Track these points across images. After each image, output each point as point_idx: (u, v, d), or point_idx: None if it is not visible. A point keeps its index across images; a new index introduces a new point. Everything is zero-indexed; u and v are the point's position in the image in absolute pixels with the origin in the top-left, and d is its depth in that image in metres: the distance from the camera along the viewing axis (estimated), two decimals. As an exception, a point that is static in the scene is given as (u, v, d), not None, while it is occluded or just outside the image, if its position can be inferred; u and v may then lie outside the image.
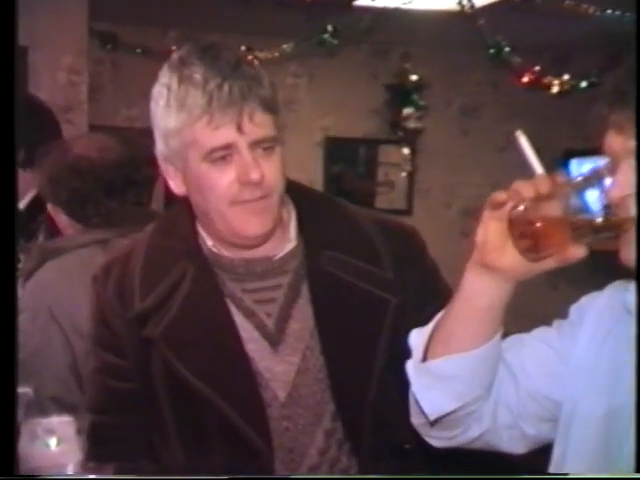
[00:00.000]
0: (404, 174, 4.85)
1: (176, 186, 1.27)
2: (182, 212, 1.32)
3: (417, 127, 4.74)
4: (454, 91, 4.86)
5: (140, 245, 1.32)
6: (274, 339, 1.27)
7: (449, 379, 1.02)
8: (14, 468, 0.68)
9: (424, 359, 1.04)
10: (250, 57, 4.76)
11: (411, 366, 1.07)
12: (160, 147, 1.25)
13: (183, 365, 1.21)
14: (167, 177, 1.28)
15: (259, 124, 1.20)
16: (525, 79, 4.02)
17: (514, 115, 4.49)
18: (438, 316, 1.05)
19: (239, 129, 1.18)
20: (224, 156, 1.20)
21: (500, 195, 0.93)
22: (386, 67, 4.75)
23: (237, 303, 1.27)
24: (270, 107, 1.22)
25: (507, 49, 3.82)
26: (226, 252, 1.29)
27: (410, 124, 4.73)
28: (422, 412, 1.06)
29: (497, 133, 4.65)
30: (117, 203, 1.67)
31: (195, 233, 1.30)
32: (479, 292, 0.99)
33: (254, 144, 1.20)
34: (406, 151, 4.81)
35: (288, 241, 1.31)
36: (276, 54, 3.91)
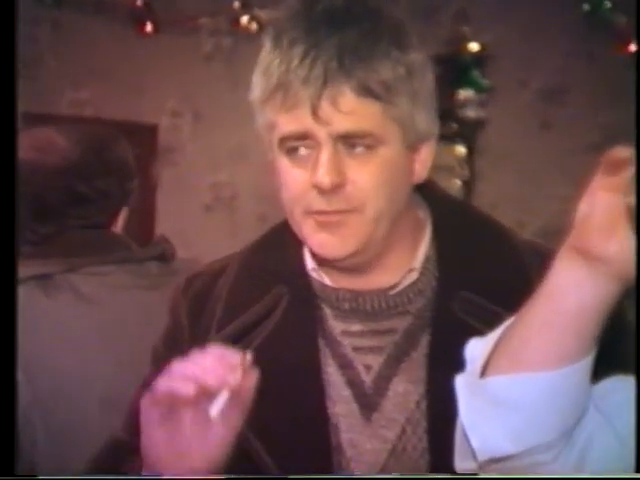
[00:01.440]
0: (459, 182, 4.99)
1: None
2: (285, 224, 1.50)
3: (478, 117, 4.86)
4: (530, 66, 4.93)
5: (235, 262, 1.54)
6: (369, 403, 1.41)
7: (512, 407, 1.03)
8: (14, 468, 1.02)
9: (482, 374, 1.06)
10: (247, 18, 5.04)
11: (462, 382, 1.11)
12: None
13: (246, 422, 1.31)
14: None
15: (349, 112, 1.33)
16: (632, 47, 4.12)
17: (615, 100, 4.39)
18: (508, 321, 1.10)
19: (314, 115, 1.33)
20: (301, 148, 1.36)
21: (622, 151, 0.94)
22: (434, 31, 4.82)
23: (333, 348, 1.46)
24: (375, 92, 1.34)
25: (608, 4, 3.97)
26: (328, 279, 1.48)
27: (468, 112, 4.83)
28: (470, 450, 1.08)
29: (590, 125, 4.79)
30: (57, 226, 1.78)
31: (301, 253, 1.51)
32: (568, 287, 1.00)
33: (340, 139, 1.35)
34: (462, 150, 4.95)
35: (411, 270, 1.47)
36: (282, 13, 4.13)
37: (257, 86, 1.39)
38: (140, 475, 1.20)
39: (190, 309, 1.51)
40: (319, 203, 1.36)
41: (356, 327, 1.44)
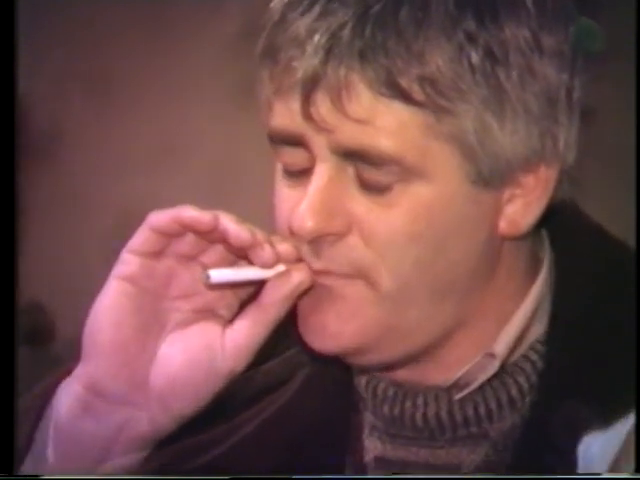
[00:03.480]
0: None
1: None
2: None
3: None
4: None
5: None
6: None
7: None
8: (14, 468, 1.02)
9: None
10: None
11: None
12: None
13: None
14: None
15: (361, 120, 0.93)
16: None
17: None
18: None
19: (304, 110, 0.94)
20: (295, 156, 0.99)
21: None
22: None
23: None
24: (408, 94, 0.92)
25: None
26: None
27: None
28: None
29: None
30: None
31: None
32: None
33: (349, 156, 0.95)
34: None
35: (489, 356, 1.02)
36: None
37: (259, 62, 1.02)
38: (141, 475, 1.01)
39: None
40: (304, 252, 0.99)
41: (398, 453, 1.04)
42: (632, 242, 1.04)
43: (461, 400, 1.02)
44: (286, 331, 1.05)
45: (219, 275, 0.98)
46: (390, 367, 1.03)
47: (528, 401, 1.01)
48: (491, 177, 0.96)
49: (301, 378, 1.08)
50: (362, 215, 0.95)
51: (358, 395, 1.07)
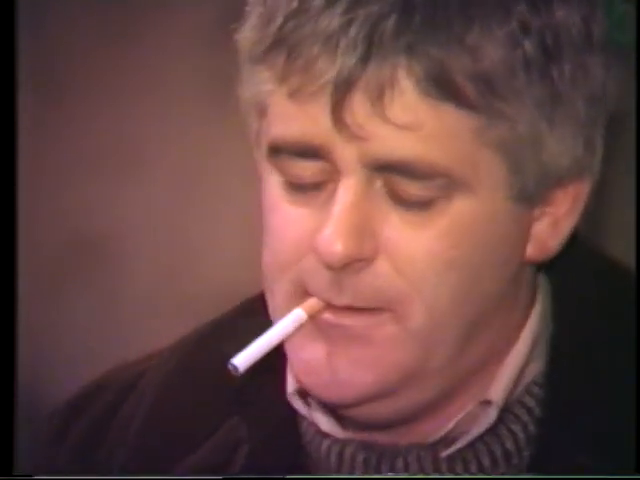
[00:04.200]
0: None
1: None
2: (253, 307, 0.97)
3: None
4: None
5: (157, 368, 1.00)
6: None
7: None
8: (13, 468, 1.02)
9: None
10: None
11: None
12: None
13: None
14: None
15: (406, 125, 0.81)
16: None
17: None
18: None
19: (336, 117, 0.80)
20: (307, 172, 0.85)
21: None
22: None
23: None
24: (463, 93, 0.80)
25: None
26: (323, 419, 0.92)
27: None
28: None
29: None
30: None
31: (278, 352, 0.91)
32: None
33: (381, 172, 0.82)
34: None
35: (485, 403, 0.89)
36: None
37: (250, 20, 0.86)
38: (141, 475, 0.93)
39: (74, 450, 0.97)
40: (322, 285, 0.84)
41: None
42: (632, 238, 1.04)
43: (449, 458, 0.89)
44: (227, 399, 0.94)
45: (245, 360, 0.85)
46: (386, 424, 0.90)
47: (526, 455, 0.89)
48: (535, 192, 0.85)
49: (242, 457, 0.93)
50: (395, 237, 0.82)
51: (314, 465, 0.92)
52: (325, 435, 0.92)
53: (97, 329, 2.63)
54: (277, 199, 0.86)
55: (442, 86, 0.79)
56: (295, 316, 0.85)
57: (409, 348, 0.84)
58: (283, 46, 0.82)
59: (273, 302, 0.88)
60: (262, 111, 0.86)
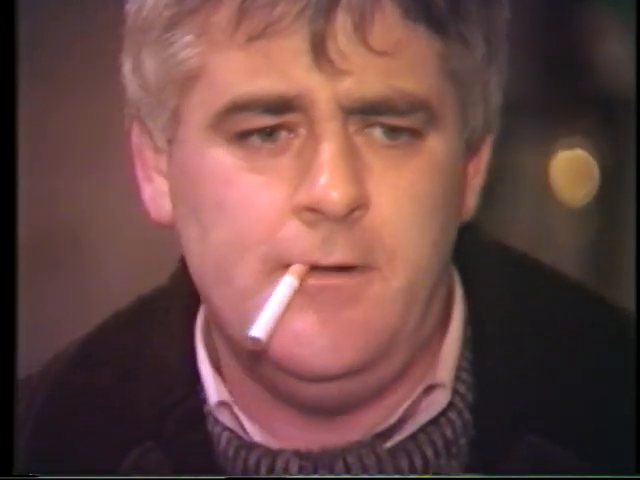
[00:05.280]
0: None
1: (155, 204, 0.87)
2: (165, 296, 0.93)
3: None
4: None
5: (46, 375, 0.95)
6: None
7: None
8: (13, 468, 1.02)
9: None
10: None
11: None
12: (128, 84, 0.85)
13: None
14: (142, 172, 0.88)
15: (388, 51, 0.75)
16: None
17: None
18: None
19: (319, 52, 0.73)
20: (273, 131, 0.78)
21: None
22: None
23: None
24: (440, 14, 0.75)
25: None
26: (254, 428, 0.87)
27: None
28: None
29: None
30: None
31: (189, 360, 0.89)
32: None
33: (354, 107, 0.77)
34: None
35: (432, 388, 0.87)
36: None
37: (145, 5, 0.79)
38: (141, 475, 0.89)
39: None
40: (310, 246, 0.79)
41: None
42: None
43: (391, 453, 0.85)
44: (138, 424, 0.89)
45: (264, 330, 0.80)
46: (342, 406, 0.86)
47: (463, 443, 0.87)
48: (478, 137, 0.83)
49: None
50: (378, 184, 0.78)
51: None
52: (252, 447, 0.88)
53: (68, 320, 2.64)
54: (231, 171, 0.79)
55: (419, 1, 0.75)
56: (287, 282, 0.81)
57: (395, 308, 0.82)
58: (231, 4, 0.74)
59: (234, 287, 0.82)
60: (189, 80, 0.79)
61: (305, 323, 0.81)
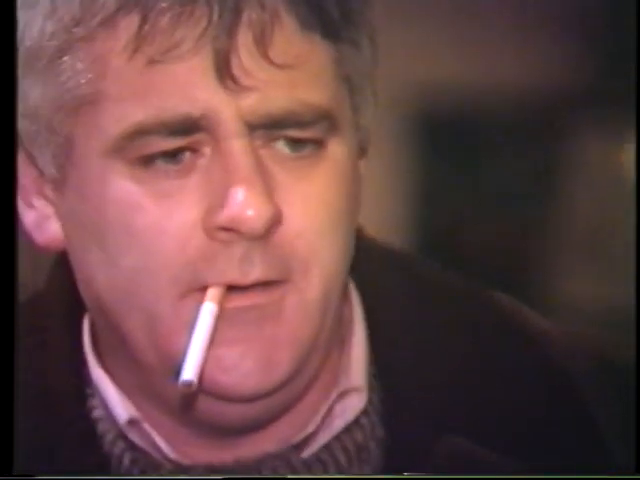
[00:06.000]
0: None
1: (41, 229, 0.86)
2: (48, 311, 0.91)
3: None
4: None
5: None
6: None
7: None
8: (13, 468, 1.03)
9: None
10: None
11: None
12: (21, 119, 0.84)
13: None
14: (22, 199, 0.86)
15: (288, 64, 0.76)
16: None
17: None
18: None
19: (222, 69, 0.74)
20: (177, 153, 0.78)
21: None
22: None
23: None
24: (332, 22, 0.77)
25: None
26: (163, 443, 0.86)
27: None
28: None
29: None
30: None
31: (78, 392, 0.88)
32: None
33: (258, 123, 0.77)
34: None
35: (345, 393, 0.87)
36: None
37: (41, 16, 0.78)
38: (141, 475, 0.90)
39: None
40: (228, 266, 0.79)
41: None
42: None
43: (305, 464, 0.85)
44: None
45: (194, 371, 0.80)
46: (256, 425, 0.85)
47: (373, 447, 0.87)
48: (365, 140, 0.85)
49: None
50: (289, 196, 0.79)
51: None
52: (160, 465, 0.87)
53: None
54: (136, 197, 0.79)
55: (314, 11, 0.76)
56: (208, 310, 0.80)
57: (312, 318, 0.82)
58: (132, 10, 0.75)
59: (148, 313, 0.81)
60: (82, 106, 0.78)
61: (227, 348, 0.81)
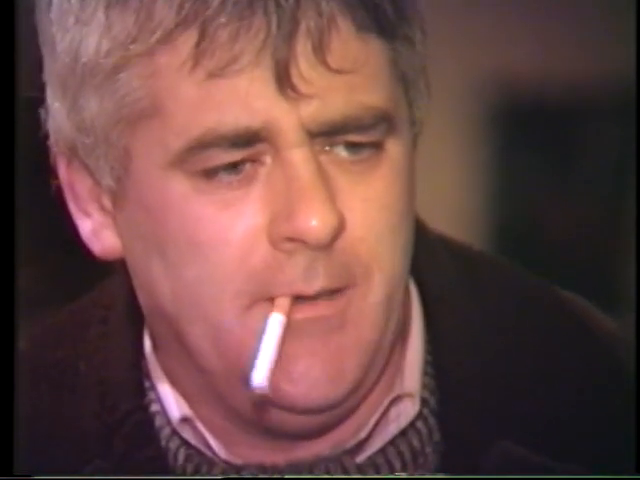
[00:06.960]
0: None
1: (98, 238, 0.84)
2: (98, 306, 0.91)
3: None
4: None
5: None
6: None
7: None
8: (13, 468, 1.02)
9: None
10: None
11: None
12: (62, 125, 0.82)
13: None
14: (78, 207, 0.85)
15: (346, 69, 0.74)
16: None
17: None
18: None
19: (283, 79, 0.73)
20: (238, 164, 0.77)
21: None
22: None
23: None
24: (390, 23, 0.76)
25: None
26: (217, 444, 0.85)
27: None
28: None
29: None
30: None
31: (133, 373, 0.87)
32: None
33: (320, 131, 0.76)
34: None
35: (398, 399, 0.86)
36: None
37: (99, 28, 0.76)
38: (142, 475, 0.87)
39: None
40: (293, 276, 0.77)
41: None
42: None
43: (359, 467, 0.84)
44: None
45: (265, 376, 0.79)
46: (317, 431, 0.84)
47: (429, 452, 0.85)
48: (417, 134, 0.83)
49: None
50: (350, 202, 0.77)
51: None
52: (214, 463, 0.86)
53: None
54: (199, 208, 0.77)
55: (370, 12, 0.75)
56: (277, 321, 0.78)
57: (376, 322, 0.81)
58: (190, 26, 0.73)
59: (213, 323, 0.80)
60: (141, 119, 0.77)
61: (294, 360, 0.80)
